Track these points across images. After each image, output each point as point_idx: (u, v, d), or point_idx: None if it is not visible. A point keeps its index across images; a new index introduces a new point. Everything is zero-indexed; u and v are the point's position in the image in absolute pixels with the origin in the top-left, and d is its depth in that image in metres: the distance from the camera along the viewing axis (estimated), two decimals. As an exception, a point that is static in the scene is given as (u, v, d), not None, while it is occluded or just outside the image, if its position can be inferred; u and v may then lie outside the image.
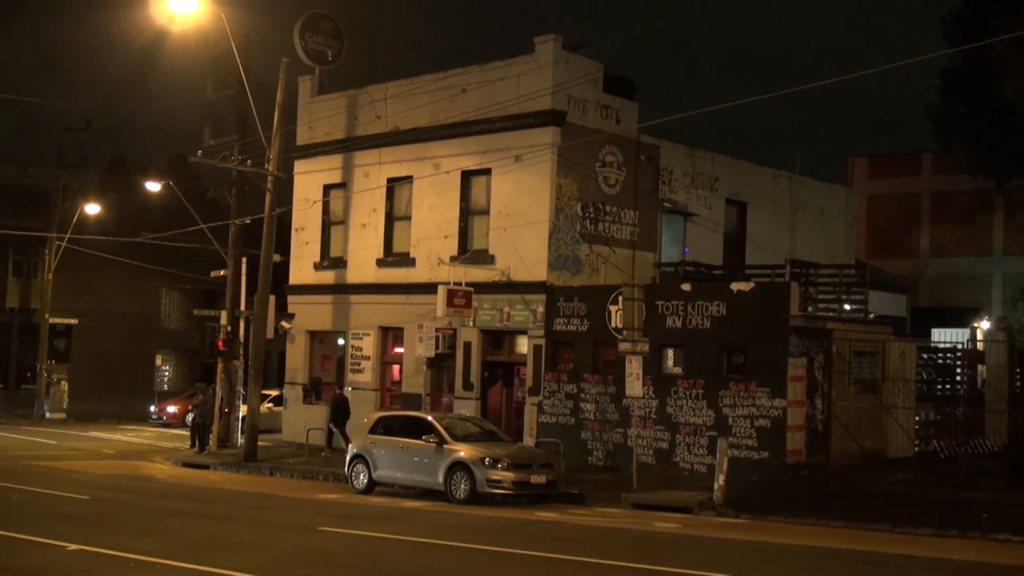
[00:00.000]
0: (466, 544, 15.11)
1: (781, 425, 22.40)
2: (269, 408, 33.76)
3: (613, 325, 24.36)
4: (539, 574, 13.39)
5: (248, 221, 30.24)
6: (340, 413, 27.99)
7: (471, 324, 27.06)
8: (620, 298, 23.43)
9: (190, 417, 33.31)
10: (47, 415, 42.70)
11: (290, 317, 31.83)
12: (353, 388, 30.05)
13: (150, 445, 33.47)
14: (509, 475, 20.37)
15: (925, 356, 28.20)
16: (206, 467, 27.40)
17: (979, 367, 28.35)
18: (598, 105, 27.11)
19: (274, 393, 35.81)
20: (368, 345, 30.06)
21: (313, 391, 31.64)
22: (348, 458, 22.97)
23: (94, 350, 46.35)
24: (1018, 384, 28.17)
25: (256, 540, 15.25)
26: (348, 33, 32.10)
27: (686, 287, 24.40)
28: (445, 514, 18.99)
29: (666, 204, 28.93)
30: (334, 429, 27.96)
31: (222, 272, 31.07)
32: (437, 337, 27.00)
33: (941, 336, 34.50)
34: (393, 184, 29.70)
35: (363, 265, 30.37)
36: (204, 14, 26.72)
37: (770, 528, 17.54)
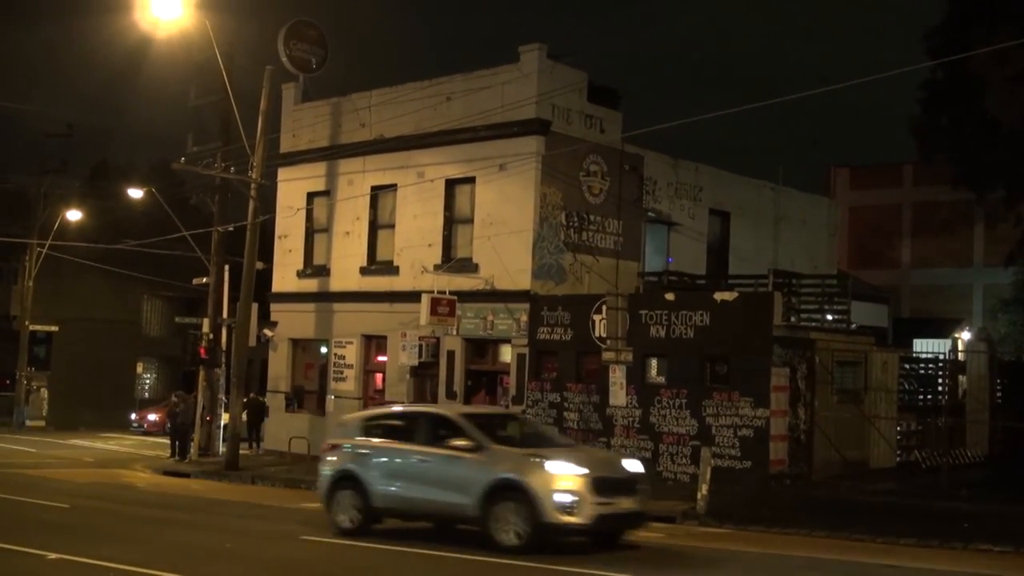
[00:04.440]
0: (440, 553, 15.03)
1: (764, 435, 22.43)
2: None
3: (597, 334, 24.36)
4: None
5: (231, 228, 30.14)
6: (255, 416, 31.09)
7: (454, 333, 27.02)
8: (604, 307, 23.43)
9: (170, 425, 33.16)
10: (26, 423, 42.46)
11: (273, 325, 31.70)
12: (336, 396, 29.94)
13: (131, 453, 33.29)
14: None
15: (907, 366, 28.33)
16: (187, 475, 27.24)
17: (960, 377, 28.52)
18: (582, 114, 27.13)
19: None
20: (351, 353, 29.97)
21: (295, 399, 31.55)
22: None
23: (74, 357, 46.04)
24: (998, 394, 28.35)
25: (237, 549, 15.16)
26: (332, 41, 32.13)
27: (670, 297, 24.43)
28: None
29: (650, 214, 28.98)
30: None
31: (204, 280, 30.96)
32: (420, 345, 26.98)
33: (923, 347, 34.66)
34: (377, 192, 29.65)
35: (346, 273, 30.29)
36: (188, 21, 26.66)
37: (752, 538, 17.54)
